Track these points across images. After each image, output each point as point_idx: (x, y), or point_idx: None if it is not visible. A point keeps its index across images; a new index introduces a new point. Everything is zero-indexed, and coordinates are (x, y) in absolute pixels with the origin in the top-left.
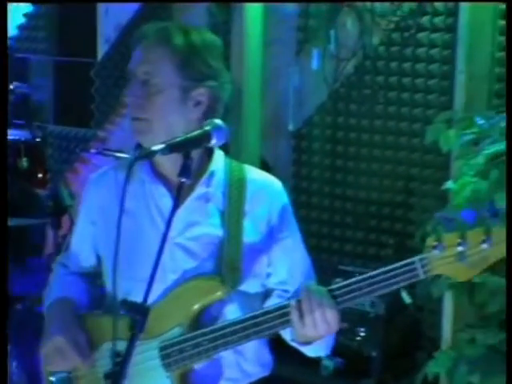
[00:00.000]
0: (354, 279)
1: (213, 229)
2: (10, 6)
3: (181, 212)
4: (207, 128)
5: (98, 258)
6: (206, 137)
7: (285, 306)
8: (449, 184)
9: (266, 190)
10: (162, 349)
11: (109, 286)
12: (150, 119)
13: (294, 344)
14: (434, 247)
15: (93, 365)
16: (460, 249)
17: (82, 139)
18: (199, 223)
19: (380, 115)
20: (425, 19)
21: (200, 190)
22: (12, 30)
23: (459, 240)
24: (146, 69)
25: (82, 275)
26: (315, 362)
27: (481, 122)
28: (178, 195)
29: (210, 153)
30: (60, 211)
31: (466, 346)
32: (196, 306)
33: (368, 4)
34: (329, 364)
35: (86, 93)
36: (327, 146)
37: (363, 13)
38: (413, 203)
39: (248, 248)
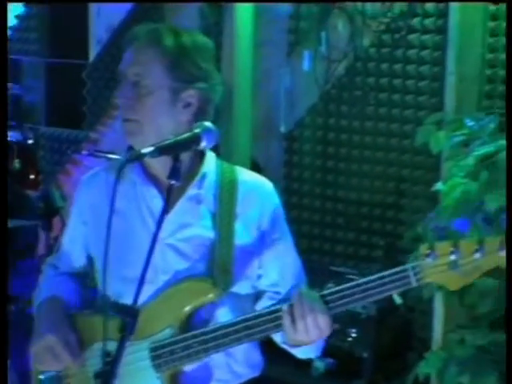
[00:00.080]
0: (346, 285)
1: (204, 230)
2: (10, 6)
3: (173, 213)
4: (197, 130)
5: (89, 259)
6: (196, 139)
7: (277, 311)
8: (439, 185)
9: (258, 192)
10: (152, 350)
11: (101, 286)
12: (141, 120)
13: (284, 346)
14: (427, 255)
15: (83, 364)
16: (453, 258)
17: (73, 141)
18: (191, 225)
19: (371, 116)
20: (415, 21)
21: (192, 191)
22: None
23: (452, 249)
24: (136, 70)
25: (71, 275)
26: (306, 362)
27: (470, 123)
28: (168, 197)
29: (201, 155)
30: (51, 213)
31: (455, 346)
32: (187, 308)
33: (359, 6)
34: (320, 365)
35: (77, 94)
36: (318, 148)
37: (354, 15)
38: (404, 204)
39: (239, 250)
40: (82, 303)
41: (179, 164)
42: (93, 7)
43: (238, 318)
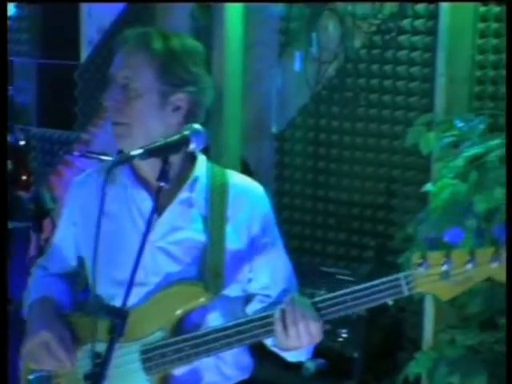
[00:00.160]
0: (338, 293)
1: (196, 234)
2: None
3: (164, 216)
4: (186, 133)
5: (79, 260)
6: (185, 141)
7: (268, 316)
8: (428, 186)
9: (248, 195)
10: (143, 352)
11: (91, 288)
12: (130, 124)
13: (274, 349)
14: (419, 264)
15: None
16: (445, 268)
17: (65, 142)
18: (182, 228)
19: (362, 117)
20: (405, 22)
21: (183, 195)
22: None
23: (444, 259)
24: (125, 73)
25: (61, 276)
26: (297, 363)
27: (460, 124)
28: (157, 199)
29: (192, 158)
30: (42, 214)
31: (446, 346)
32: (178, 312)
33: (349, 7)
34: (311, 365)
35: (69, 95)
36: (310, 148)
37: (344, 16)
38: (395, 205)
39: (230, 254)
40: (72, 304)
41: (168, 166)
42: (84, 8)
43: (230, 323)
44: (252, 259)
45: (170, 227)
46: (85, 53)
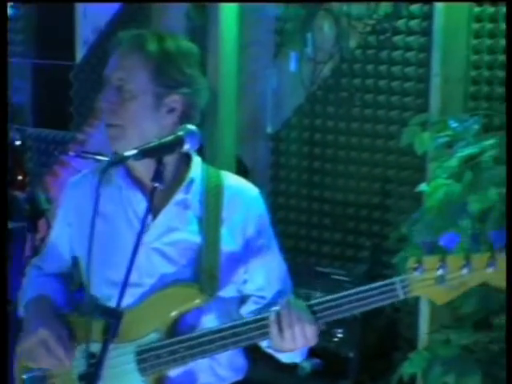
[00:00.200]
0: (334, 296)
1: (191, 235)
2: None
3: (160, 218)
4: (180, 133)
5: (74, 260)
6: (179, 142)
7: (263, 319)
8: (422, 186)
9: (243, 196)
10: (138, 353)
11: (87, 288)
12: (124, 125)
13: (269, 350)
14: (415, 269)
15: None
16: (440, 272)
17: (60, 142)
18: (177, 229)
19: (357, 117)
20: (400, 22)
21: (179, 196)
22: None
23: (439, 263)
24: (120, 75)
25: (56, 276)
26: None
27: (454, 124)
28: (151, 200)
29: (187, 159)
30: (37, 215)
31: (440, 346)
32: (174, 313)
33: (344, 7)
34: (306, 365)
35: (64, 95)
36: (305, 148)
37: (340, 16)
38: (390, 205)
39: (225, 255)
40: (67, 303)
41: (162, 167)
42: (79, 8)
43: (225, 325)
44: (247, 261)
45: (166, 228)
46: (80, 53)
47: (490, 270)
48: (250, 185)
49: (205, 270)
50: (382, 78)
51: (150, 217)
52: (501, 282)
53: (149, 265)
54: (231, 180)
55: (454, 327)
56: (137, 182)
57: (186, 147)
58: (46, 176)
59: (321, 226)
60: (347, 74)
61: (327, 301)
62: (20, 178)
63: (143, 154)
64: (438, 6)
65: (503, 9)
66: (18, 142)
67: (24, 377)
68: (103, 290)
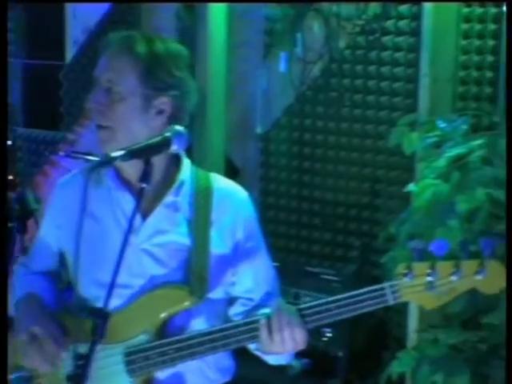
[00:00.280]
0: (323, 300)
1: (180, 237)
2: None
3: (150, 219)
4: (167, 134)
5: (62, 259)
6: (166, 143)
7: (253, 322)
8: (410, 186)
9: (232, 198)
10: (126, 355)
11: (76, 289)
12: (114, 127)
13: (257, 353)
14: (405, 275)
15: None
16: (429, 279)
17: (50, 142)
18: (167, 231)
19: (346, 117)
20: (389, 23)
21: (169, 198)
22: None
23: (429, 270)
24: (109, 76)
25: (44, 274)
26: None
27: (443, 125)
28: (139, 201)
29: (177, 161)
30: (26, 215)
31: (428, 346)
32: (163, 315)
33: (334, 8)
34: (295, 364)
35: (54, 95)
36: (295, 149)
37: (329, 16)
38: (379, 204)
39: (215, 257)
40: (55, 302)
41: (150, 167)
42: (69, 8)
43: (215, 328)
44: (236, 263)
45: (156, 230)
46: (70, 53)
47: (479, 277)
48: (239, 187)
49: (194, 272)
50: (372, 78)
51: (139, 218)
52: (489, 289)
53: (138, 266)
54: (221, 182)
55: (443, 326)
56: (126, 183)
57: (174, 148)
58: (36, 176)
59: (310, 225)
60: (337, 74)
61: (317, 305)
62: (11, 177)
63: (130, 154)
64: (427, 6)
65: (492, 9)
66: (8, 142)
67: (11, 377)
68: (92, 291)
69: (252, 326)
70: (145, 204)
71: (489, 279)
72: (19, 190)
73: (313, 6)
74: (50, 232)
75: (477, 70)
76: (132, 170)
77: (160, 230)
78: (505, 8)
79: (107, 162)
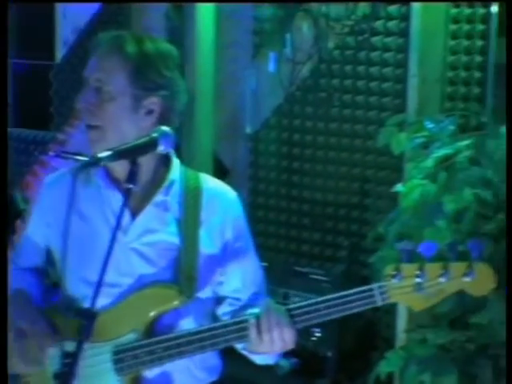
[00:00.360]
0: (312, 301)
1: (170, 236)
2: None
3: (139, 218)
4: (154, 135)
5: (48, 256)
6: (153, 143)
7: (242, 321)
8: (398, 187)
9: (221, 198)
10: (115, 353)
11: (64, 288)
12: (103, 127)
13: (244, 352)
14: (393, 276)
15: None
16: (418, 280)
17: (40, 142)
18: (157, 231)
19: (335, 118)
20: (378, 23)
21: (159, 197)
22: None
23: (418, 272)
24: (98, 76)
25: (31, 270)
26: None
27: (430, 125)
28: (127, 201)
29: (167, 161)
30: (14, 215)
31: (416, 345)
32: (152, 314)
33: (323, 8)
34: (284, 364)
35: (44, 95)
36: (284, 149)
37: (318, 17)
38: (368, 204)
39: (204, 257)
40: (43, 298)
41: (137, 168)
42: (59, 9)
43: (204, 327)
44: (224, 263)
45: (145, 229)
46: (60, 53)
47: (467, 279)
48: (228, 188)
49: (183, 272)
50: (361, 78)
51: (129, 217)
52: (477, 291)
53: (127, 265)
54: (210, 182)
55: (431, 326)
56: (116, 182)
57: (160, 148)
58: (25, 176)
59: (299, 225)
60: (326, 75)
61: (306, 305)
62: None
63: (117, 155)
64: (416, 7)
65: (480, 10)
66: None
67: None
68: (80, 289)
69: (241, 325)
70: (134, 203)
71: (477, 281)
72: (8, 189)
73: (302, 7)
74: (38, 230)
75: (465, 71)
76: (121, 169)
77: (149, 229)
78: (492, 9)
79: (94, 162)
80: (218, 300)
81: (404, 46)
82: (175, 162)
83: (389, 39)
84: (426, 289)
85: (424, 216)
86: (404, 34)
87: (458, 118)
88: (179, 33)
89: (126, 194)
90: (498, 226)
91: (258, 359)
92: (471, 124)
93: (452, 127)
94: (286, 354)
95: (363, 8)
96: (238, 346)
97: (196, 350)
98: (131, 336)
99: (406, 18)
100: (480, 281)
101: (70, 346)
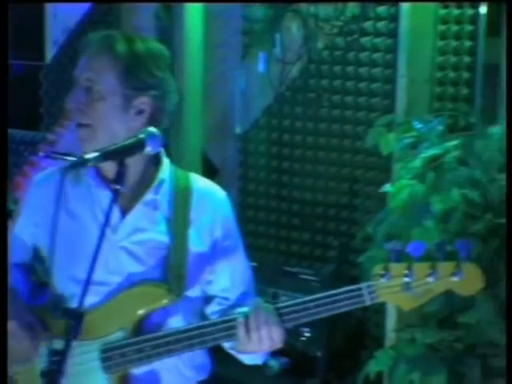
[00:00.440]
0: (301, 300)
1: (159, 235)
2: None
3: (129, 217)
4: (141, 136)
5: (36, 254)
6: (140, 144)
7: (231, 320)
8: (387, 187)
9: (210, 198)
10: (103, 351)
11: (52, 286)
12: (93, 125)
13: (231, 352)
14: (382, 275)
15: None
16: (406, 280)
17: (30, 142)
18: (146, 229)
19: (324, 118)
20: (367, 24)
21: (148, 196)
22: None
23: (406, 271)
24: (89, 76)
25: (18, 266)
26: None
27: (419, 125)
28: (115, 201)
29: (157, 160)
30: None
31: (405, 345)
32: (141, 312)
33: (312, 9)
34: (274, 364)
35: (34, 96)
36: (273, 149)
37: (307, 17)
38: (357, 205)
39: (193, 256)
40: (30, 294)
41: (124, 169)
42: (49, 9)
43: (192, 325)
44: (213, 262)
45: (134, 228)
46: (50, 53)
47: (455, 279)
48: (218, 187)
49: (172, 270)
50: (350, 79)
51: (118, 216)
52: (465, 291)
53: (116, 263)
54: (199, 182)
55: (420, 326)
56: (106, 181)
57: (148, 149)
58: (15, 177)
59: (289, 225)
60: (315, 75)
61: (294, 304)
62: None
63: (104, 156)
64: (405, 7)
65: (468, 11)
66: None
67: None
68: (69, 287)
69: (229, 324)
70: (124, 202)
71: (465, 281)
72: None
73: (291, 7)
74: (25, 229)
75: (454, 71)
76: (111, 168)
77: (139, 228)
78: (481, 9)
79: (81, 164)
80: (207, 299)
81: (393, 47)
82: (165, 162)
83: (378, 40)
84: (414, 288)
85: (412, 216)
86: (393, 34)
87: (447, 119)
88: (169, 32)
89: (115, 194)
90: (486, 226)
91: (246, 359)
92: (460, 124)
93: (440, 127)
94: (276, 354)
95: (352, 8)
96: (226, 346)
97: (184, 348)
98: (119, 334)
99: (394, 18)
100: (468, 281)
101: (58, 344)
